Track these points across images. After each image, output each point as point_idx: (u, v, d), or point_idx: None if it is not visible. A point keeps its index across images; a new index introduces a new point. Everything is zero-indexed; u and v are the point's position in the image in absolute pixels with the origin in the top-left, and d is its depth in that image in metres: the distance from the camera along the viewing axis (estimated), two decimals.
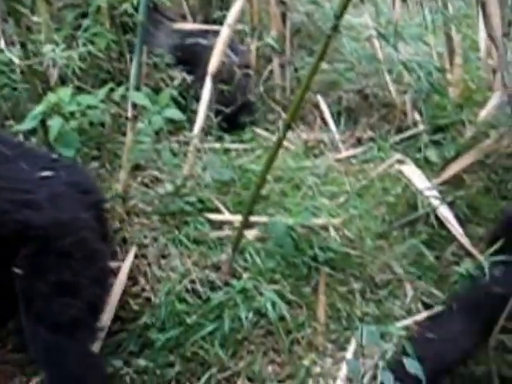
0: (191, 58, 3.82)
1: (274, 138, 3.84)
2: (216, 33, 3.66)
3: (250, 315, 2.82)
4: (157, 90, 3.40)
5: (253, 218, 2.93)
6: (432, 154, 3.86)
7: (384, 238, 3.27)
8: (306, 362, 2.81)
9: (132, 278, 2.88)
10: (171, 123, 3.33)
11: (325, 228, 3.09)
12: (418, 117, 4.17)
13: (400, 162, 3.60)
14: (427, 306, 3.04)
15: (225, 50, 3.33)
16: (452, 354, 2.55)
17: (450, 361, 2.55)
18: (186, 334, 2.78)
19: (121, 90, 2.96)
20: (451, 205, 3.32)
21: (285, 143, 3.74)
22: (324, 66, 4.30)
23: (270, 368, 2.81)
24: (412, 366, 2.17)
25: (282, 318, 2.86)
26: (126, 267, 2.87)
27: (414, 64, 4.01)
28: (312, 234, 3.03)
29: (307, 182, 3.42)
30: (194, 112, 3.54)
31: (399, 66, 4.11)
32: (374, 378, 2.19)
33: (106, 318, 2.70)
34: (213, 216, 3.08)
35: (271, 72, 4.31)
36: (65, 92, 2.85)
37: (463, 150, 3.61)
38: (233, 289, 2.84)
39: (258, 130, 3.95)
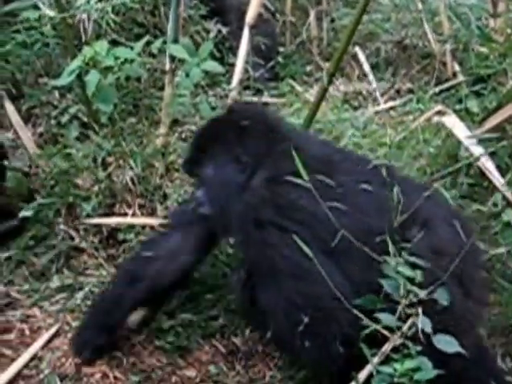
0: (226, 9, 3.76)
1: (312, 91, 3.82)
2: None
3: None
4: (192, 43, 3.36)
5: None
6: (473, 105, 3.77)
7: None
8: None
9: None
10: (208, 76, 3.30)
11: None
12: (457, 67, 4.07)
13: (441, 112, 3.52)
14: None
15: None
16: (172, 271, 2.54)
17: (171, 278, 2.55)
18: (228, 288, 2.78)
19: (158, 43, 2.91)
20: (493, 155, 3.25)
21: None
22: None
23: None
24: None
25: None
26: None
27: (464, 8, 3.88)
28: None
29: (347, 134, 3.37)
30: (231, 65, 3.50)
31: (439, 15, 4.01)
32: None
33: None
34: None
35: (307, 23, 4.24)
36: (101, 45, 2.80)
37: (505, 101, 3.51)
38: None
39: (296, 83, 3.89)
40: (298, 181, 2.13)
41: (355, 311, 2.08)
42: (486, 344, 2.59)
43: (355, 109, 3.76)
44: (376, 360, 1.95)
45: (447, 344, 1.99)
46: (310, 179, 2.14)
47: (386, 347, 1.96)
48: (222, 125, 2.45)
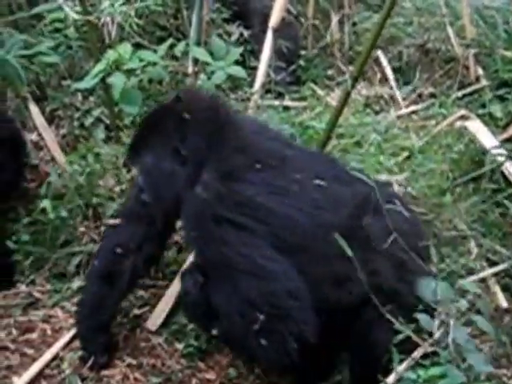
0: (249, 12, 3.76)
1: (333, 94, 3.81)
2: None
3: None
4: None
5: None
6: (496, 110, 3.75)
7: (448, 195, 3.19)
8: None
9: None
10: (229, 80, 3.30)
11: (388, 185, 3.02)
12: (481, 71, 4.04)
13: (464, 117, 3.50)
14: (492, 264, 2.98)
15: (287, 2, 3.23)
16: (143, 262, 2.55)
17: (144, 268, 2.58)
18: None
19: (181, 46, 2.92)
20: None
21: None
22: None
23: None
24: (483, 324, 2.11)
25: None
26: None
27: (492, 11, 3.85)
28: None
29: (369, 138, 3.35)
30: (252, 68, 3.50)
31: (462, 19, 3.98)
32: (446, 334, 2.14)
33: None
34: None
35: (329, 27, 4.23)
36: (125, 48, 2.83)
37: None
38: None
39: (317, 87, 3.88)
40: (254, 177, 2.17)
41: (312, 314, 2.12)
42: None
43: (377, 113, 3.74)
44: (404, 366, 1.93)
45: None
46: (264, 176, 2.20)
47: (416, 354, 1.95)
48: (165, 114, 2.44)
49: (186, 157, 2.33)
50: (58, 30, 3.51)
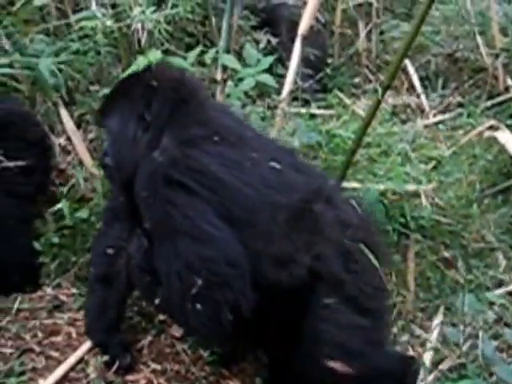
0: (277, 20, 3.76)
1: (360, 103, 3.80)
2: None
3: None
4: (241, 53, 3.37)
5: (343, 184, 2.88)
6: None
7: (476, 206, 3.17)
8: (394, 330, 2.77)
9: None
10: (257, 87, 3.30)
11: (416, 195, 3.01)
12: (510, 81, 4.00)
13: (493, 127, 3.47)
14: None
15: (316, 10, 3.23)
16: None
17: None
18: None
19: (211, 53, 2.93)
20: None
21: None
22: (410, 28, 4.18)
23: None
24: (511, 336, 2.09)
25: None
26: None
27: None
28: (403, 200, 2.97)
29: (396, 148, 3.33)
30: (279, 75, 3.49)
31: (492, 28, 3.94)
32: (474, 347, 2.13)
33: None
34: None
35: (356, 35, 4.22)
36: (155, 55, 2.84)
37: None
38: None
39: (344, 95, 3.87)
40: (211, 148, 2.20)
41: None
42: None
43: (404, 122, 3.72)
44: (431, 378, 1.92)
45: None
46: (221, 148, 2.23)
47: (444, 366, 1.93)
48: (134, 81, 2.47)
49: (150, 122, 2.36)
50: (86, 36, 3.54)
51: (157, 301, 2.30)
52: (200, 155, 2.26)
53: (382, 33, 4.27)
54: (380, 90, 2.41)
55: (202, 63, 3.28)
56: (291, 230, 2.24)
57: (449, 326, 2.48)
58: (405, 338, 2.76)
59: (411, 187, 3.04)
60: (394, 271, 2.90)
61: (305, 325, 2.29)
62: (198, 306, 2.18)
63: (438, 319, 2.72)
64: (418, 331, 2.77)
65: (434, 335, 2.56)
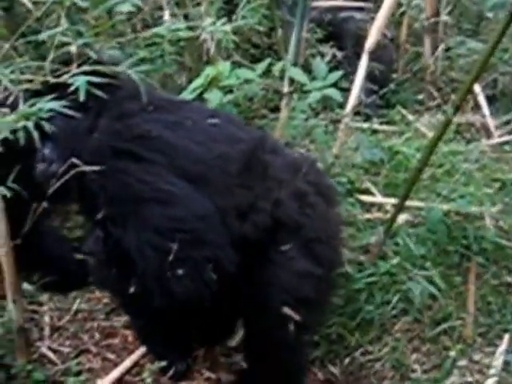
0: (343, 34, 3.76)
1: (423, 120, 3.76)
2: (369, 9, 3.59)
3: (396, 298, 2.76)
4: (306, 66, 3.37)
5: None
6: None
7: None
8: (452, 354, 2.71)
9: None
10: (321, 100, 3.29)
11: (479, 217, 2.96)
12: None
13: None
14: None
15: (384, 26, 3.20)
16: None
17: None
18: (330, 314, 2.76)
19: (279, 65, 2.94)
20: None
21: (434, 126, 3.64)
22: (477, 45, 4.13)
23: (414, 356, 2.74)
24: None
25: (429, 307, 2.78)
26: None
27: None
28: (466, 222, 2.92)
29: (459, 167, 3.28)
30: (342, 89, 3.48)
31: None
32: None
33: None
34: (364, 198, 3.02)
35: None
36: (224, 66, 2.88)
37: None
38: (381, 271, 2.78)
39: (407, 111, 3.83)
40: (147, 116, 2.18)
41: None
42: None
43: (468, 141, 3.66)
44: None
45: None
46: (157, 115, 2.22)
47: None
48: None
49: (90, 108, 2.30)
50: (153, 44, 3.59)
51: (132, 289, 2.23)
52: (140, 122, 2.25)
53: (447, 49, 4.21)
54: (450, 110, 2.38)
55: (265, 74, 3.30)
56: (246, 180, 2.23)
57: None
58: (463, 362, 2.70)
59: (475, 209, 2.99)
60: (453, 293, 2.85)
61: (263, 273, 2.28)
62: (179, 270, 2.13)
63: (503, 346, 2.66)
64: (477, 357, 2.72)
65: (497, 362, 2.51)
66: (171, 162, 2.20)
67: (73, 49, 2.00)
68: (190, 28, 2.89)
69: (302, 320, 2.24)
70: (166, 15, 3.16)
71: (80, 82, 1.96)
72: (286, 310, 2.24)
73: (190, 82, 3.33)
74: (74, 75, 2.00)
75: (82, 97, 2.03)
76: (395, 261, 2.79)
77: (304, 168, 2.32)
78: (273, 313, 2.26)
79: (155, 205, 2.15)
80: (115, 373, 2.61)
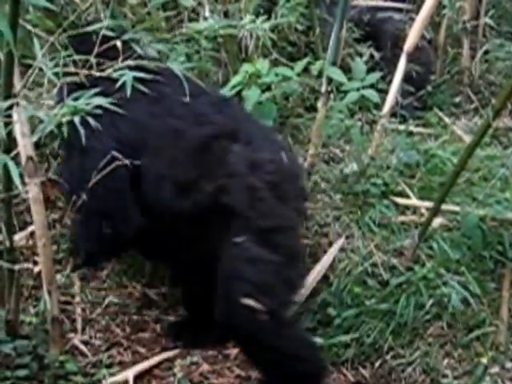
0: (381, 34, 3.72)
1: (460, 123, 3.71)
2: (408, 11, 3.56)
3: (430, 303, 2.73)
4: (343, 65, 3.35)
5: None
6: None
7: None
8: (484, 360, 2.68)
9: (313, 255, 2.88)
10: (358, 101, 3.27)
11: None
12: None
13: None
14: None
15: (423, 28, 3.17)
16: None
17: None
18: (362, 317, 2.74)
19: (318, 65, 2.93)
20: None
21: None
22: None
23: (445, 361, 2.71)
24: None
25: (462, 312, 2.75)
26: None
27: None
28: (502, 227, 2.88)
29: (496, 172, 3.23)
30: (379, 90, 3.45)
31: None
32: None
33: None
34: (399, 200, 2.99)
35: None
36: (263, 63, 2.88)
37: None
38: (415, 275, 2.75)
39: (443, 114, 3.78)
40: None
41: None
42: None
43: (505, 146, 3.60)
44: None
45: None
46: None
47: None
48: None
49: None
50: (192, 39, 3.59)
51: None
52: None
53: (486, 52, 4.16)
54: (490, 114, 2.34)
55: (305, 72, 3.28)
56: (195, 159, 2.33)
57: None
58: (495, 369, 2.67)
59: (511, 215, 2.94)
60: (487, 300, 2.81)
61: (219, 264, 2.35)
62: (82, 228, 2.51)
63: None
64: (510, 364, 2.68)
65: None
66: (117, 134, 2.35)
67: (118, 44, 2.01)
68: (229, 25, 2.89)
69: (269, 307, 2.28)
70: (206, 11, 3.15)
71: (127, 76, 1.97)
72: (247, 301, 2.28)
73: (225, 78, 3.34)
74: (118, 69, 2.01)
75: (128, 92, 2.07)
76: (429, 264, 2.76)
77: (266, 168, 2.38)
78: (238, 305, 2.30)
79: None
80: (145, 366, 2.64)
